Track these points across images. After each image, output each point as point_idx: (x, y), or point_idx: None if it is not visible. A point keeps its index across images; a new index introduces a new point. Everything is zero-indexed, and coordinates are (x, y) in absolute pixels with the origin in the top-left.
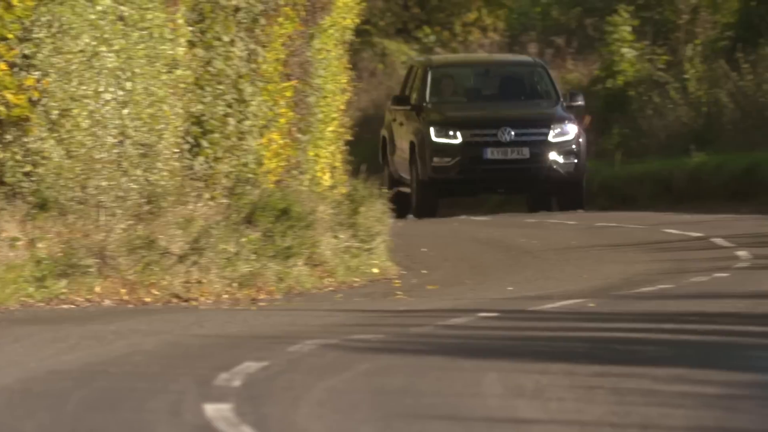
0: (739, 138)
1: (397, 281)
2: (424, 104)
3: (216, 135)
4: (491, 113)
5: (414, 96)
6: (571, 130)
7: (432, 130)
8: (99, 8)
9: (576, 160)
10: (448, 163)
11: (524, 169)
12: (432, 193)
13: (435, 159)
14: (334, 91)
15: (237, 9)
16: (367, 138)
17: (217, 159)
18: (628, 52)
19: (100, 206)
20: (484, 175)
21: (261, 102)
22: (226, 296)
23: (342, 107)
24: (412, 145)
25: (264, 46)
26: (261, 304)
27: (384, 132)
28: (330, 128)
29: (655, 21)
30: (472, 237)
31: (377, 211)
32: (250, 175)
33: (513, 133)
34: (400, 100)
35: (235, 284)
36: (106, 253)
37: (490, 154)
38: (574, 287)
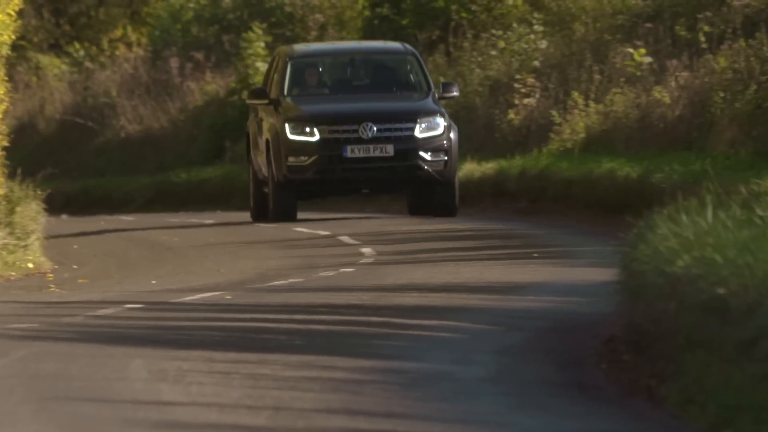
0: None
1: (50, 275)
2: (282, 98)
3: None
4: (352, 107)
5: (274, 89)
6: (441, 124)
7: (287, 126)
8: None
9: (446, 158)
10: (304, 162)
11: (389, 168)
12: (288, 195)
13: (290, 158)
14: None
15: None
16: (22, 144)
17: None
18: (261, 65)
19: None
20: (345, 175)
21: None
22: None
23: None
24: (267, 142)
25: None
26: None
27: (249, 127)
28: None
29: (286, 37)
30: (119, 235)
31: (32, 211)
32: None
33: (375, 128)
34: (257, 93)
35: None
36: None
37: (351, 152)
38: (212, 281)
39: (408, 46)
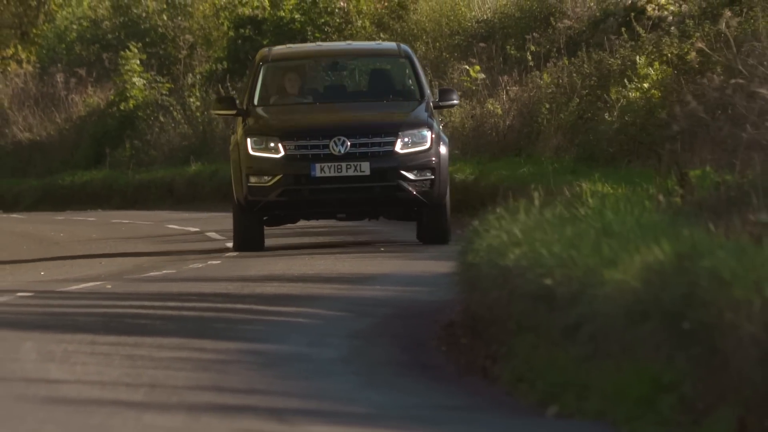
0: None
1: None
2: (251, 108)
3: None
4: (323, 119)
5: (245, 97)
6: (428, 138)
7: (249, 141)
8: None
9: (432, 177)
10: (266, 182)
11: (364, 188)
12: (252, 219)
13: (252, 178)
14: None
15: None
16: None
17: None
18: (137, 80)
19: None
20: (313, 197)
21: None
22: None
23: None
24: (231, 159)
25: None
26: None
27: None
28: None
29: (159, 55)
30: (11, 231)
31: None
32: None
33: (349, 143)
34: (224, 102)
35: None
36: None
37: (320, 170)
38: (94, 272)
39: (402, 45)
